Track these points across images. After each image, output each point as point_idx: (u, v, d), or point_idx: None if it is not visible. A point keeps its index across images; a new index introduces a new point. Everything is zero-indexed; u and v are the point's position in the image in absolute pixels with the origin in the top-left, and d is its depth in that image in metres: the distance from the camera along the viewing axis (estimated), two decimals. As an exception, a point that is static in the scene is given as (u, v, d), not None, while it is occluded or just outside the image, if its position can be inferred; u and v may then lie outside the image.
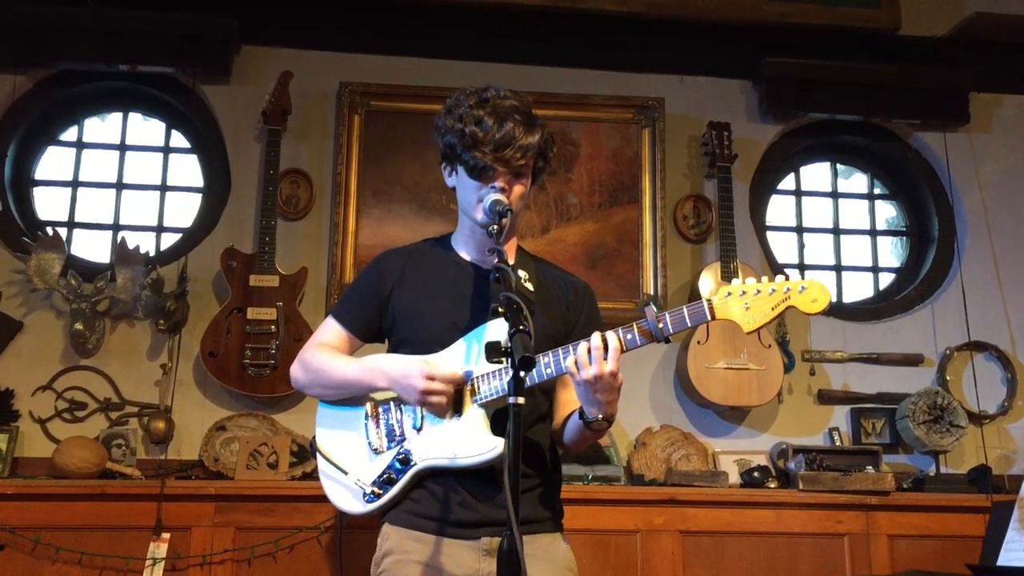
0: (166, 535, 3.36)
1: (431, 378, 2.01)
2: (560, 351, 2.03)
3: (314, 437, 2.26)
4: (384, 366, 2.13)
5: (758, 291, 1.98)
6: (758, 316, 1.97)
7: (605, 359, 1.93)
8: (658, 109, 4.29)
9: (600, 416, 2.00)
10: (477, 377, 2.07)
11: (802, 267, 4.53)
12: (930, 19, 4.53)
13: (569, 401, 2.22)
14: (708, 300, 1.99)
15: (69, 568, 3.31)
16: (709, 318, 1.99)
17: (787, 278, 1.99)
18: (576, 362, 1.95)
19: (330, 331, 2.30)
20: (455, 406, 2.07)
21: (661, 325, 1.98)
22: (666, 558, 3.54)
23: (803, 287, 1.97)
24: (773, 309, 1.97)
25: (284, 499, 3.45)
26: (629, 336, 1.99)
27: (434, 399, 2.02)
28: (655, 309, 1.98)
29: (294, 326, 3.83)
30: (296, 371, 2.29)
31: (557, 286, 2.30)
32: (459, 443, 2.05)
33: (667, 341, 2.02)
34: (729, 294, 1.99)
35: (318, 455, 2.23)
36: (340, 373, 2.19)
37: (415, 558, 2.04)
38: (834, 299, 4.51)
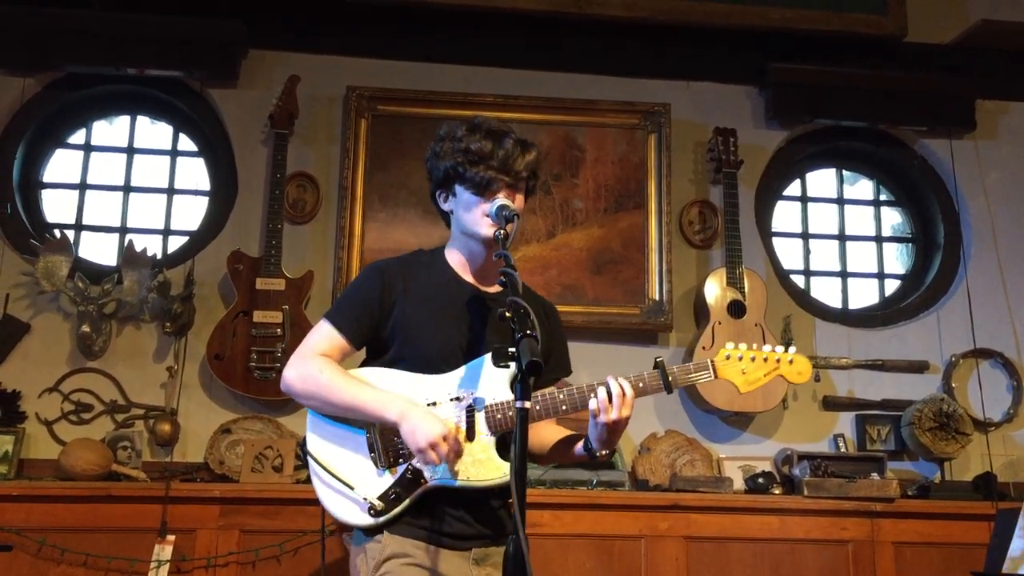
0: (171, 537, 3.37)
1: (444, 438, 2.04)
2: (575, 391, 2.16)
3: (304, 441, 2.23)
4: (402, 404, 2.11)
5: (753, 358, 2.25)
6: (752, 380, 2.25)
7: (623, 405, 2.10)
8: (664, 115, 4.29)
9: (607, 451, 2.18)
10: (490, 405, 2.13)
11: (807, 273, 4.53)
12: (936, 26, 4.54)
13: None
14: (712, 361, 2.24)
15: (74, 569, 3.32)
16: (712, 377, 2.23)
17: (774, 349, 2.27)
18: (599, 406, 2.10)
19: (326, 337, 2.23)
20: (468, 431, 2.13)
21: (671, 378, 2.19)
22: (670, 564, 3.54)
23: (791, 360, 2.28)
24: (765, 376, 2.26)
25: (289, 502, 3.45)
26: (640, 386, 2.17)
27: (432, 455, 2.04)
28: (665, 362, 2.21)
29: (300, 329, 3.82)
30: (293, 379, 2.22)
31: (537, 308, 2.32)
32: (471, 466, 2.11)
33: (670, 392, 2.26)
34: (728, 357, 2.24)
35: (312, 461, 2.19)
36: (348, 397, 2.15)
37: (416, 561, 2.10)
38: (839, 305, 4.51)
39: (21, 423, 3.78)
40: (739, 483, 3.88)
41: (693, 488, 3.70)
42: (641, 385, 2.17)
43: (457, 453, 2.08)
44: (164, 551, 3.35)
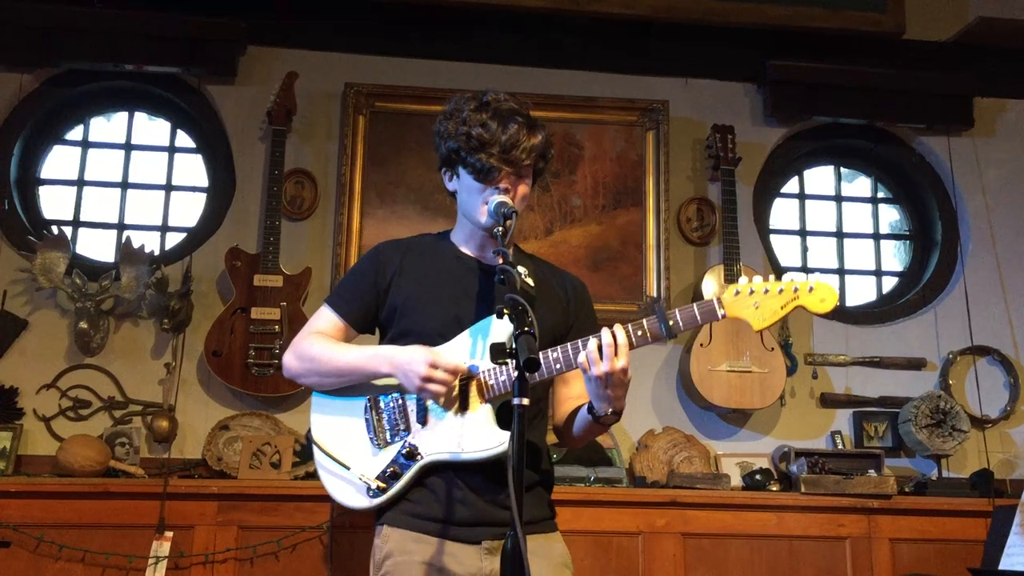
0: (169, 534, 3.37)
1: (434, 366, 2.00)
2: (569, 347, 2.04)
3: (309, 430, 2.22)
4: (388, 352, 2.11)
5: (767, 290, 2.00)
6: (767, 315, 1.99)
7: (616, 355, 1.94)
8: (662, 112, 4.30)
9: (610, 411, 2.02)
10: (484, 371, 2.08)
11: (805, 270, 4.53)
12: (934, 24, 4.54)
13: (570, 397, 2.26)
14: (719, 298, 2.01)
15: (72, 566, 3.32)
16: (720, 316, 2.00)
17: (792, 279, 2.00)
18: (588, 358, 1.96)
19: (325, 320, 2.26)
20: (462, 401, 2.08)
21: (672, 322, 2.00)
22: (668, 560, 3.54)
23: (811, 287, 1.98)
24: (782, 308, 1.99)
25: (286, 498, 3.45)
26: (639, 333, 2.01)
27: (433, 387, 2.01)
28: (664, 306, 2.00)
29: (298, 326, 3.76)
30: (290, 359, 2.24)
31: (556, 283, 2.32)
32: (466, 437, 2.06)
33: (673, 337, 2.04)
34: (738, 292, 2.01)
35: (315, 448, 2.19)
36: (340, 360, 2.16)
37: (417, 559, 2.04)
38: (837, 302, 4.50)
39: (19, 419, 3.78)
40: (736, 480, 3.89)
41: (691, 485, 3.71)
42: (640, 333, 2.00)
43: (456, 371, 2.02)
44: (162, 547, 3.34)
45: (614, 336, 1.95)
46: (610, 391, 1.98)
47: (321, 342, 2.20)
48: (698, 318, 2.01)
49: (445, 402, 2.08)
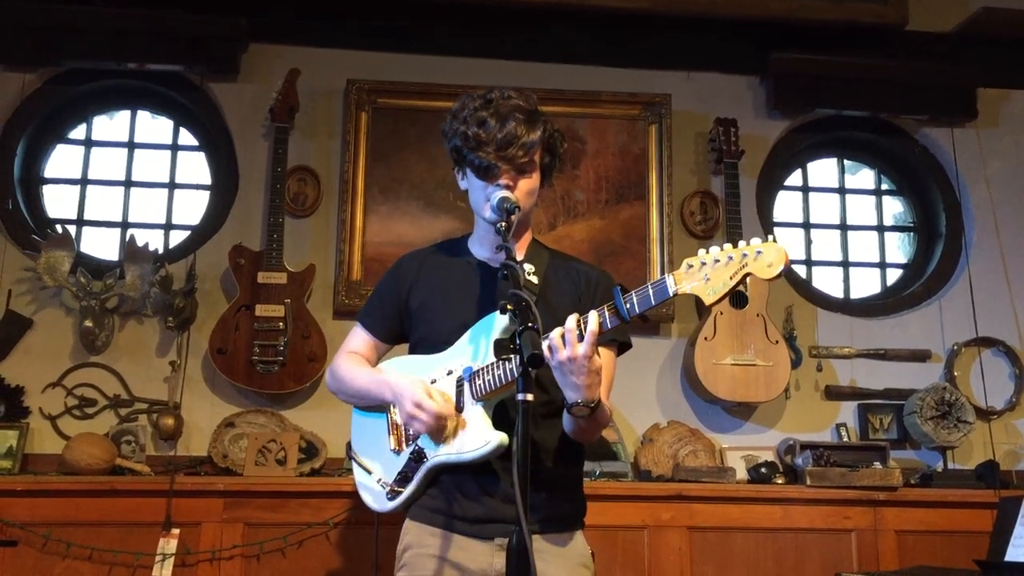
0: (176, 531, 3.38)
1: (419, 407, 2.08)
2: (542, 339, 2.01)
3: (349, 443, 2.38)
4: (388, 381, 2.21)
5: (717, 260, 1.89)
6: (717, 287, 1.87)
7: (577, 341, 1.92)
8: (665, 105, 4.29)
9: (579, 401, 1.98)
10: (474, 372, 2.11)
11: (809, 263, 4.53)
12: (937, 14, 4.52)
13: None
14: (670, 274, 1.94)
15: (79, 564, 3.33)
16: (671, 293, 1.92)
17: (748, 243, 1.88)
18: (551, 346, 1.94)
19: (358, 337, 2.41)
20: (458, 401, 2.13)
21: (628, 306, 1.95)
22: (673, 554, 3.55)
23: (759, 251, 1.84)
24: (731, 278, 1.87)
25: (293, 495, 3.47)
26: (602, 320, 1.96)
27: (416, 425, 2.11)
28: (622, 289, 1.97)
29: (302, 323, 3.84)
30: (328, 379, 2.42)
31: (568, 278, 2.31)
32: (460, 438, 2.10)
33: (645, 319, 2.02)
34: (691, 266, 1.92)
35: (352, 460, 2.34)
36: (357, 383, 2.31)
37: (432, 552, 2.11)
38: (841, 295, 4.50)
39: (25, 418, 3.79)
40: (742, 473, 3.89)
41: (696, 478, 3.71)
42: (602, 320, 1.95)
43: (438, 416, 2.07)
44: (169, 545, 3.35)
45: (577, 322, 1.94)
46: (574, 379, 1.94)
47: (347, 364, 2.35)
48: (652, 298, 1.94)
49: (435, 436, 2.13)
